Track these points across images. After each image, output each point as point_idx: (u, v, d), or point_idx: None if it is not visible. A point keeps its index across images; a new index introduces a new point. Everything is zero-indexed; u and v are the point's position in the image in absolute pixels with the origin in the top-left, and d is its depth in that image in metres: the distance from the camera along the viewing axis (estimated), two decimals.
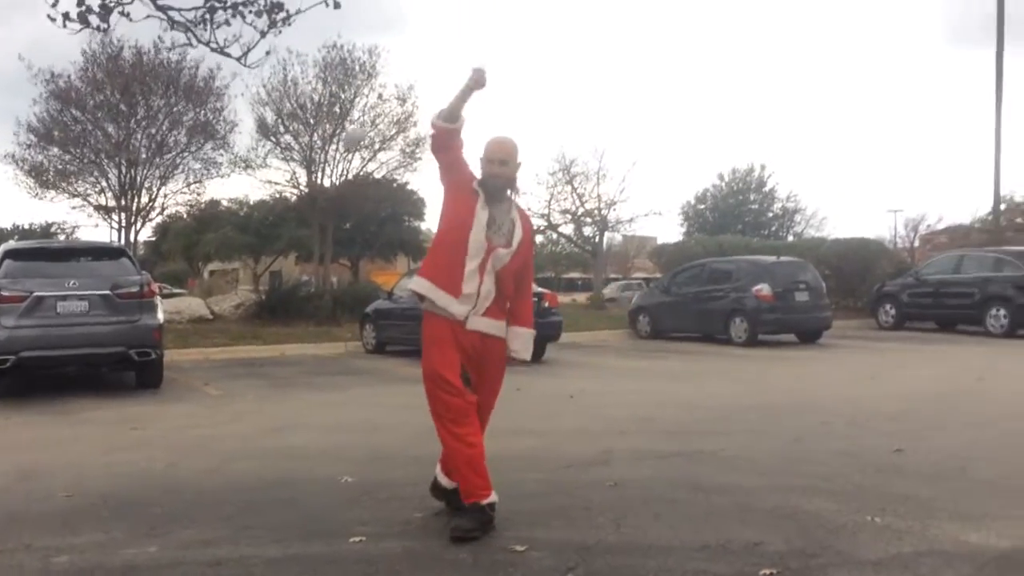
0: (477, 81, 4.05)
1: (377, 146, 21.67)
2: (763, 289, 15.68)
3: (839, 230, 49.12)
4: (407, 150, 21.96)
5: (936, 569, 3.50)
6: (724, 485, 4.97)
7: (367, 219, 31.46)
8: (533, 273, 4.54)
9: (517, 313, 4.32)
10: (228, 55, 6.09)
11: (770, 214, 46.86)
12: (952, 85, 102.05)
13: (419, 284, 4.18)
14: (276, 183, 23.17)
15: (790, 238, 40.13)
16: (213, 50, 6.10)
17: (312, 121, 21.39)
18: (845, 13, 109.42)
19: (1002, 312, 16.92)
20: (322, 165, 21.85)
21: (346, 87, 21.17)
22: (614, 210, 29.24)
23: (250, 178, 24.10)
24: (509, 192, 4.25)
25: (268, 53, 7.92)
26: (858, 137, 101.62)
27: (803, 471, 5.33)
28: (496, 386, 4.32)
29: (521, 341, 4.30)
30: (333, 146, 21.47)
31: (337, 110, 21.19)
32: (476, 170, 4.26)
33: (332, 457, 5.98)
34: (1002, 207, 26.93)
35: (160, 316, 10.23)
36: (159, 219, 29.99)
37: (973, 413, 7.68)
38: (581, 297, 36.78)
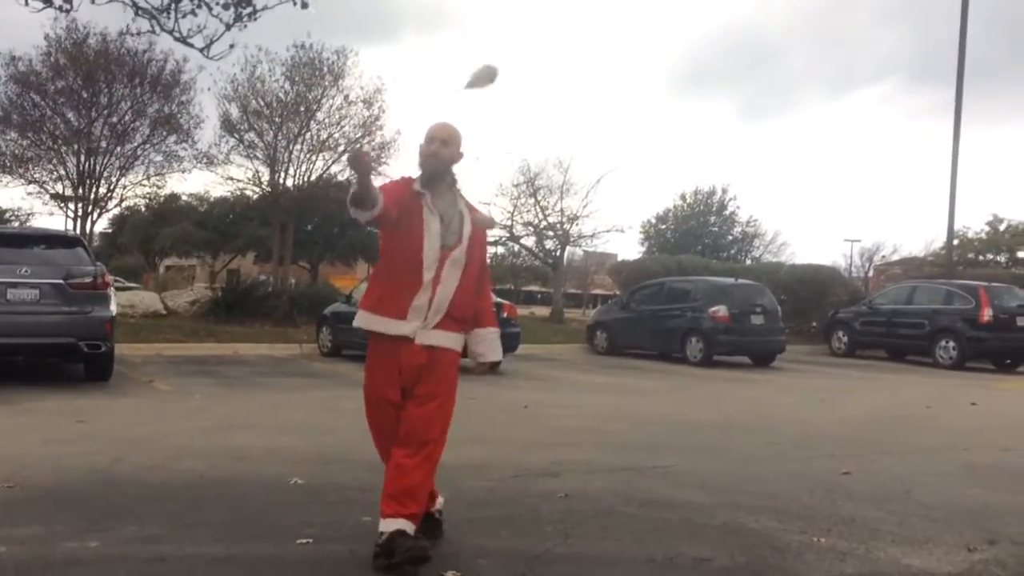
0: (353, 164, 3.59)
1: (342, 148, 21.61)
2: (720, 310, 15.84)
3: (797, 256, 49.66)
4: (373, 153, 21.91)
5: None
6: (673, 501, 5.00)
7: (329, 221, 31.30)
8: (488, 271, 4.20)
9: (479, 315, 4.01)
10: (191, 45, 6.03)
11: (730, 237, 47.38)
12: (910, 118, 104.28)
13: (362, 319, 3.86)
14: (238, 180, 23.00)
15: (748, 262, 40.58)
16: (176, 39, 6.05)
17: (278, 120, 21.27)
18: (808, 46, 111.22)
19: (951, 344, 17.26)
20: (285, 165, 21.75)
21: (313, 87, 21.07)
22: (577, 225, 29.34)
23: (212, 174, 23.86)
24: (451, 182, 3.90)
25: (232, 47, 7.80)
26: (818, 165, 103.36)
27: (751, 490, 5.37)
28: (443, 398, 3.82)
29: (487, 343, 4.04)
30: (298, 146, 21.36)
31: (303, 110, 21.09)
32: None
33: (281, 458, 5.90)
34: (955, 242, 27.51)
35: (113, 308, 10.07)
36: (117, 210, 29.59)
37: (920, 440, 7.81)
38: (540, 310, 36.86)
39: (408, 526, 3.57)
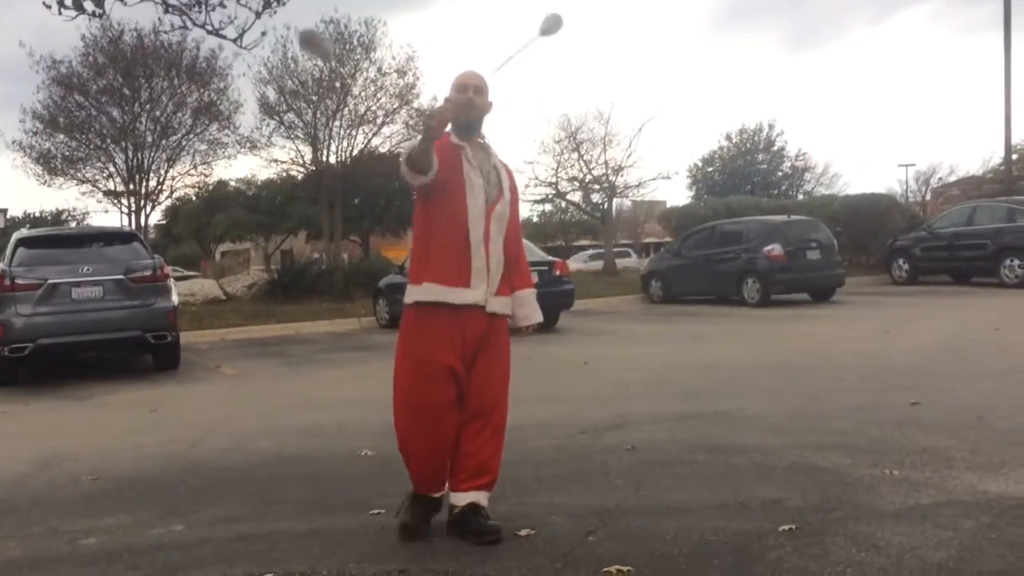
0: (430, 129, 3.35)
1: (380, 120, 21.64)
2: (774, 249, 15.63)
3: (850, 187, 48.55)
4: (411, 123, 21.91)
5: (954, 519, 3.51)
6: (741, 445, 4.99)
7: (375, 194, 31.44)
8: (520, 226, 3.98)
9: (516, 275, 3.81)
10: (224, 37, 6.09)
11: (779, 173, 46.51)
12: (960, 34, 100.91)
13: (422, 293, 3.57)
14: (282, 162, 23.19)
15: (800, 197, 39.86)
16: (209, 32, 6.09)
17: (314, 98, 21.35)
18: None
19: (1016, 262, 16.81)
20: (327, 142, 21.84)
21: (346, 62, 21.09)
22: (622, 176, 29.11)
23: (256, 158, 24.12)
24: (482, 135, 3.74)
25: (264, 34, 7.88)
26: (867, 92, 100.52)
27: (819, 428, 5.34)
28: (505, 365, 3.75)
29: (529, 305, 3.82)
30: (337, 122, 21.44)
31: (338, 85, 21.13)
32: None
33: (350, 432, 6.03)
34: (1014, 156, 26.67)
35: (174, 298, 10.30)
36: (168, 202, 30.08)
37: (990, 364, 7.67)
38: (593, 264, 36.74)
39: (483, 496, 3.62)
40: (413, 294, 3.63)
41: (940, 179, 41.37)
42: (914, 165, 49.63)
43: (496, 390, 3.69)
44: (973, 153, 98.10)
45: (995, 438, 4.85)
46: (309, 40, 3.89)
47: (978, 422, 5.29)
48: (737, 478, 4.30)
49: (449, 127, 3.61)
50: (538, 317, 3.86)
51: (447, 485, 3.68)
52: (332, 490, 4.53)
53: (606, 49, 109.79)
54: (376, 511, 4.04)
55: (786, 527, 3.49)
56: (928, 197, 38.46)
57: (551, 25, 3.76)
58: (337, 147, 22.10)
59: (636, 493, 4.14)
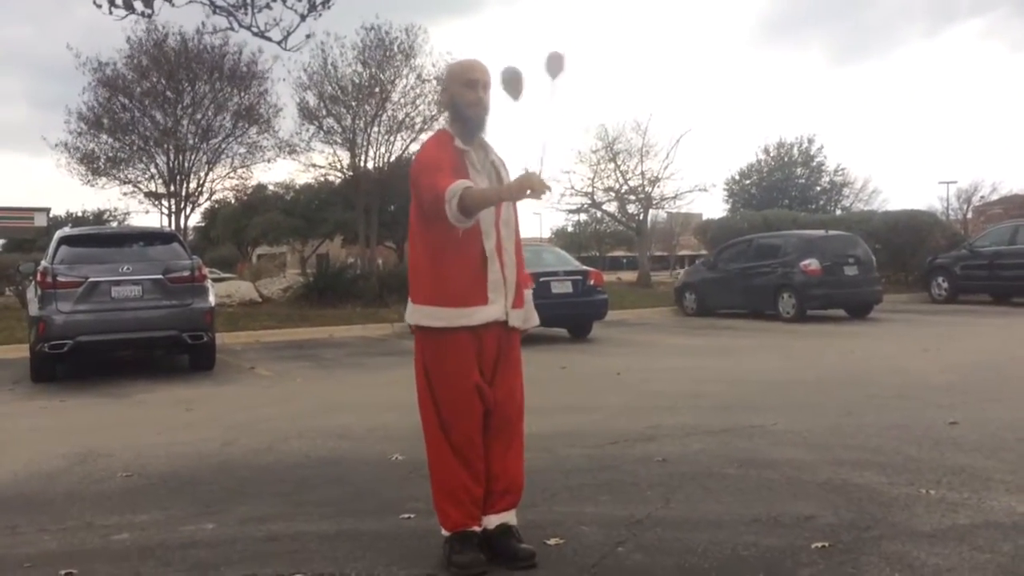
0: (520, 193, 3.12)
1: (418, 127, 21.76)
2: (811, 264, 15.48)
3: (890, 203, 48.06)
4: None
5: (993, 541, 3.44)
6: (774, 459, 4.94)
7: (410, 201, 31.70)
8: None
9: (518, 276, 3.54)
10: (269, 39, 6.16)
11: (817, 188, 46.07)
12: (1014, 50, 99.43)
13: (437, 316, 3.34)
14: (320, 167, 23.41)
15: (838, 212, 39.46)
16: (255, 34, 6.18)
17: (354, 104, 21.53)
18: None
19: None
20: (365, 147, 22.01)
21: (386, 68, 21.24)
22: (658, 187, 29.04)
23: (294, 162, 24.40)
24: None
25: (308, 36, 7.95)
26: (910, 106, 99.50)
27: (854, 444, 5.27)
28: (521, 375, 3.56)
29: (528, 307, 3.57)
30: (375, 128, 21.59)
31: (378, 91, 21.29)
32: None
33: (382, 436, 6.04)
34: None
35: (211, 299, 10.40)
36: (207, 204, 30.46)
37: None
38: (627, 275, 36.62)
39: (512, 515, 3.48)
40: (426, 317, 3.38)
41: (982, 197, 40.83)
42: (956, 182, 48.85)
43: (519, 402, 3.54)
44: (1017, 172, 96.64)
45: None
46: (510, 80, 3.46)
47: (1018, 443, 5.18)
48: (770, 493, 4.25)
49: (448, 125, 3.48)
50: (535, 320, 3.63)
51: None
52: (362, 493, 4.55)
53: (647, 58, 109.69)
54: (406, 515, 4.05)
55: (819, 544, 3.44)
56: (969, 215, 37.93)
57: (554, 65, 3.39)
58: (375, 152, 22.30)
59: (667, 505, 4.11)
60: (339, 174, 23.83)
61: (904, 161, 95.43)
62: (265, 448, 5.81)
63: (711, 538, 3.59)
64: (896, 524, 3.71)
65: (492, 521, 3.45)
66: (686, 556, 3.38)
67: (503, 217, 3.42)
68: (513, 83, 3.37)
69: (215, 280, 16.06)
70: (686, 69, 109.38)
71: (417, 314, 3.42)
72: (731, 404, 6.99)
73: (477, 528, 3.41)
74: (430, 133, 22.00)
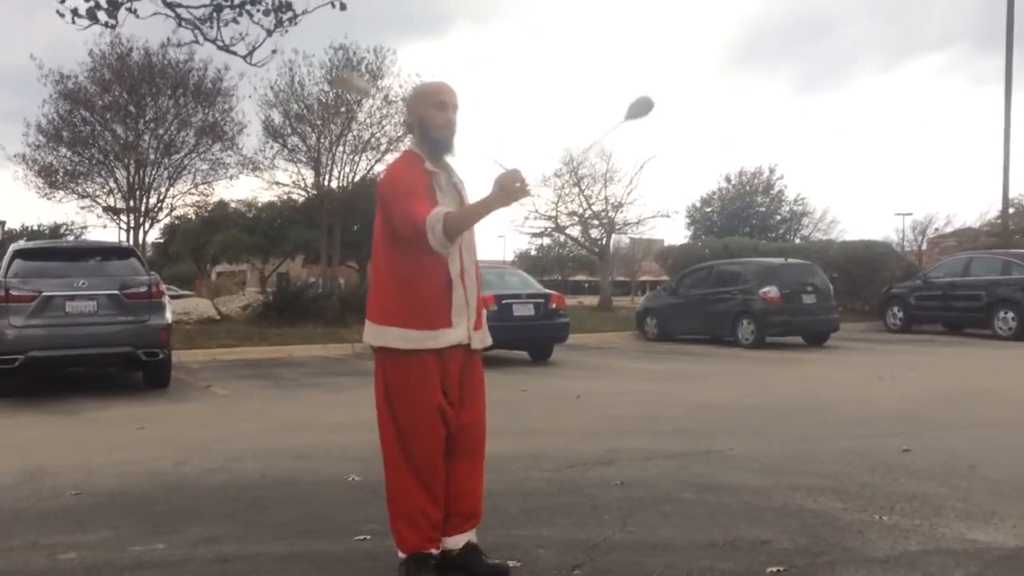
0: (507, 197, 3.05)
1: (384, 147, 21.75)
2: (771, 291, 15.66)
3: (848, 233, 48.83)
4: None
5: (944, 568, 3.48)
6: (731, 484, 4.96)
7: (374, 221, 31.61)
8: None
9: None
10: (234, 53, 6.12)
11: (778, 217, 46.63)
12: (970, 86, 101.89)
13: (402, 338, 3.30)
14: (283, 185, 23.27)
15: (798, 241, 39.99)
16: (219, 48, 6.14)
17: (319, 123, 21.47)
18: (867, 15, 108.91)
19: (1010, 315, 16.86)
20: (329, 166, 21.93)
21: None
22: (621, 212, 29.24)
23: (258, 180, 24.21)
24: None
25: (274, 52, 7.94)
26: (870, 138, 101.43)
27: (810, 470, 5.31)
28: (483, 401, 3.55)
29: (484, 328, 3.56)
30: (340, 147, 21.53)
31: (344, 111, 21.26)
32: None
33: (339, 456, 5.98)
34: (1011, 210, 26.84)
35: (168, 316, 10.26)
36: (167, 220, 30.10)
37: (982, 414, 7.65)
38: (589, 299, 36.76)
39: (473, 534, 3.50)
40: (393, 338, 3.32)
41: (937, 229, 41.52)
42: (911, 214, 49.72)
43: (483, 424, 3.54)
44: (971, 205, 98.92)
45: (986, 488, 4.82)
46: (338, 80, 3.52)
47: (969, 471, 5.26)
48: (726, 518, 4.27)
49: (415, 146, 3.44)
50: (489, 341, 3.57)
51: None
52: (317, 514, 4.49)
53: (615, 83, 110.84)
54: (362, 537, 4.00)
55: (774, 568, 3.46)
56: (924, 247, 38.60)
57: (640, 110, 3.45)
58: (339, 172, 22.21)
59: (624, 528, 4.11)
60: (303, 193, 23.71)
61: (862, 192, 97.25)
62: (219, 467, 5.73)
63: (667, 562, 3.59)
64: (850, 549, 3.74)
65: (458, 541, 3.46)
66: None
67: (466, 241, 3.40)
68: (644, 109, 3.46)
69: (172, 297, 15.85)
70: (653, 95, 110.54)
71: (382, 335, 3.36)
72: (690, 428, 7.02)
73: (434, 551, 3.38)
74: (396, 154, 22.08)
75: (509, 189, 3.03)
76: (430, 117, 3.39)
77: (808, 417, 7.55)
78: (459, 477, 3.45)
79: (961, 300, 18.03)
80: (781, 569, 3.46)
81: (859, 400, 8.63)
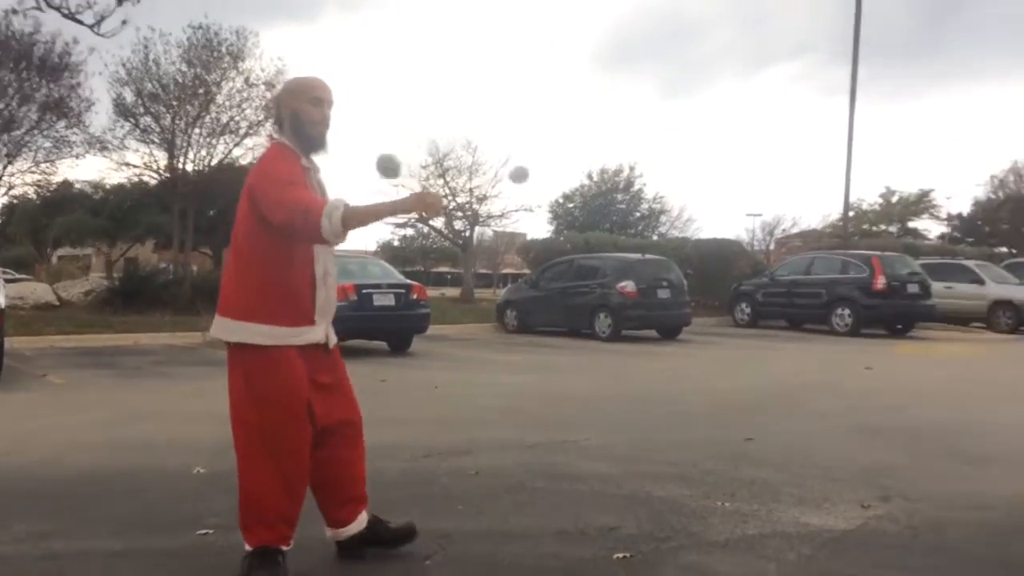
0: (418, 207, 3.11)
1: (243, 131, 21.06)
2: (628, 286, 16.05)
3: (702, 231, 50.61)
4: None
5: (779, 550, 3.64)
6: (583, 473, 5.04)
7: (231, 207, 30.53)
8: None
9: None
10: (80, 22, 5.78)
11: (637, 214, 47.89)
12: (820, 95, 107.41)
13: (265, 334, 3.21)
14: (134, 166, 22.17)
15: (655, 237, 41.19)
16: (64, 16, 5.78)
17: (175, 103, 20.57)
18: (732, 22, 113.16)
19: (847, 312, 17.90)
20: (184, 149, 21.04)
21: (212, 70, 20.46)
22: (486, 205, 29.38)
23: (106, 160, 22.92)
24: None
25: (125, 23, 7.55)
26: (726, 142, 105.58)
27: (658, 459, 5.46)
28: (352, 391, 3.55)
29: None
30: (197, 129, 20.70)
31: (202, 92, 20.45)
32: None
33: (183, 448, 5.74)
34: (851, 214, 28.49)
35: (1, 300, 9.62)
36: (4, 200, 28.23)
37: (819, 405, 8.06)
38: (451, 291, 36.77)
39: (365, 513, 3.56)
40: (257, 335, 3.22)
41: (784, 230, 43.65)
42: (761, 215, 52.26)
43: (359, 412, 3.54)
44: (816, 207, 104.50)
45: (819, 474, 5.08)
46: (387, 167, 3.50)
47: (805, 459, 5.53)
48: (577, 506, 4.33)
49: (287, 140, 3.35)
50: (335, 339, 3.51)
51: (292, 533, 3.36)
52: (157, 508, 4.29)
53: (483, 77, 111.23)
54: (204, 531, 3.85)
55: (621, 555, 3.53)
56: (772, 246, 40.52)
57: (518, 176, 3.92)
58: (195, 155, 21.31)
59: (477, 518, 4.11)
60: (155, 175, 22.63)
61: (717, 193, 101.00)
62: (52, 459, 5.40)
63: (518, 550, 3.61)
64: (693, 534, 3.86)
65: (362, 521, 3.51)
66: (493, 569, 3.39)
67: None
68: (390, 169, 3.54)
69: (8, 281, 14.91)
70: (521, 91, 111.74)
71: (242, 331, 3.24)
72: (545, 419, 7.11)
73: (284, 547, 3.28)
74: (256, 139, 21.42)
75: (424, 202, 3.07)
76: (305, 112, 3.32)
77: (659, 408, 7.78)
78: (350, 463, 3.48)
79: (803, 297, 19.01)
80: (628, 555, 3.53)
81: (707, 392, 8.96)
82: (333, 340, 3.46)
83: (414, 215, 3.18)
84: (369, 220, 3.18)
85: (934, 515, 4.23)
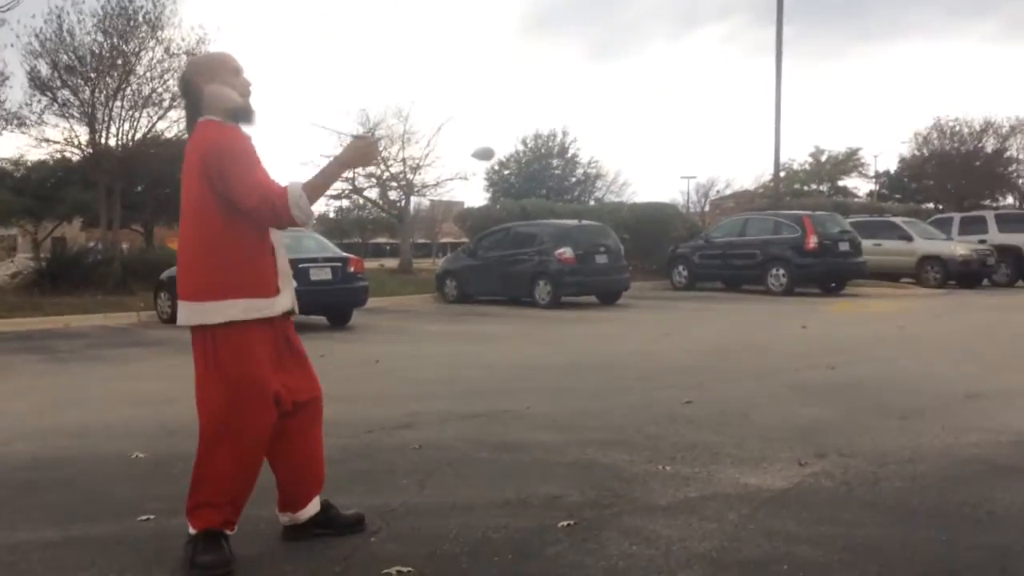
0: (360, 159, 3.30)
1: (167, 103, 20.51)
2: (565, 252, 16.13)
3: (638, 195, 51.15)
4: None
5: (719, 511, 3.72)
6: (526, 443, 5.08)
7: (160, 182, 29.76)
8: None
9: None
10: None
11: (573, 179, 48.08)
12: (748, 56, 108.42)
13: (245, 310, 3.19)
14: (55, 142, 21.48)
15: (591, 203, 41.42)
16: None
17: (93, 75, 19.92)
18: None
19: (781, 272, 18.27)
20: (106, 123, 20.42)
21: (130, 40, 19.84)
22: (420, 174, 29.17)
23: (25, 136, 22.19)
24: None
25: None
26: (659, 105, 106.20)
27: (600, 425, 5.54)
28: (312, 366, 3.55)
29: None
30: (118, 102, 20.09)
31: (120, 63, 19.83)
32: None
33: (121, 432, 5.63)
34: (782, 174, 28.94)
35: None
36: None
37: (756, 365, 8.24)
38: (390, 262, 36.54)
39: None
40: (236, 312, 3.18)
41: (718, 192, 44.31)
42: (695, 178, 52.91)
43: (320, 388, 3.55)
44: (749, 168, 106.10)
45: (758, 434, 5.20)
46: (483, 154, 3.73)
47: (743, 419, 5.66)
48: (521, 475, 4.37)
49: (225, 118, 3.26)
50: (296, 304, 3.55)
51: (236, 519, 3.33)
52: (96, 495, 4.21)
53: (410, 44, 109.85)
54: (145, 517, 3.79)
55: (565, 523, 3.57)
56: (707, 208, 41.07)
57: (482, 155, 4.04)
58: (118, 129, 20.70)
59: (421, 492, 4.12)
60: (77, 151, 21.96)
61: (652, 156, 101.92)
62: None
63: (463, 522, 3.63)
64: (635, 499, 3.92)
65: (316, 504, 3.49)
66: (438, 542, 3.40)
67: None
68: (486, 154, 4.01)
69: None
70: (450, 57, 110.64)
71: (224, 310, 3.17)
72: (487, 389, 7.14)
73: (228, 531, 3.26)
74: (180, 111, 20.84)
75: (363, 151, 3.25)
76: (235, 84, 3.31)
77: (600, 374, 7.86)
78: (313, 443, 3.48)
79: (738, 259, 19.35)
80: (572, 523, 3.57)
81: (647, 355, 9.09)
82: (296, 305, 3.46)
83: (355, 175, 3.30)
84: (325, 190, 3.28)
85: (868, 470, 4.37)
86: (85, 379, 8.48)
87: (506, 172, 47.54)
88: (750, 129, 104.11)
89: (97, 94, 20.08)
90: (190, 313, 3.24)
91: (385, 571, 3.09)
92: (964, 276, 19.97)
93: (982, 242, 20.81)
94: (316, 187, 3.18)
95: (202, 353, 3.26)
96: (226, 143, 3.21)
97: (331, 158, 3.26)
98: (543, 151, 47.77)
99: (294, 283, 3.46)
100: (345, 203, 47.39)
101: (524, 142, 48.13)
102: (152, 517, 3.78)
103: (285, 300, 3.35)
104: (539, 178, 46.00)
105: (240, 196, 3.12)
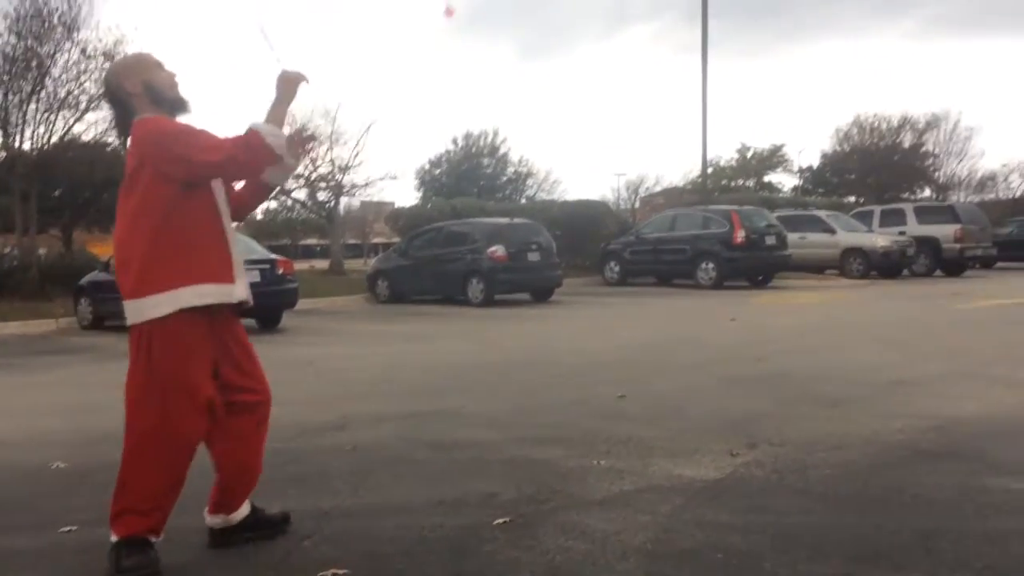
0: (293, 93, 3.27)
1: (84, 106, 19.95)
2: (497, 250, 16.12)
3: (569, 193, 51.46)
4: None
5: (653, 503, 3.75)
6: (462, 441, 5.05)
7: (79, 185, 28.93)
8: None
9: None
10: None
11: (504, 178, 48.13)
12: (677, 54, 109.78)
13: (195, 295, 3.10)
14: None
15: (523, 201, 41.51)
16: None
17: (6, 78, 19.28)
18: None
19: (711, 266, 18.57)
20: (20, 127, 19.79)
21: (45, 41, 19.25)
22: (349, 175, 28.89)
23: None
24: None
25: None
26: (589, 103, 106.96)
27: (536, 422, 5.53)
28: (261, 367, 3.47)
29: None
30: (32, 105, 19.48)
31: (35, 66, 19.23)
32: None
33: (40, 443, 5.44)
34: (709, 170, 29.43)
35: None
36: None
37: (688, 359, 8.34)
38: (320, 263, 36.12)
39: None
40: (172, 301, 3.07)
41: (648, 188, 44.78)
42: (625, 175, 53.45)
43: (263, 373, 3.45)
44: (678, 165, 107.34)
45: (690, 426, 5.26)
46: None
47: (676, 412, 5.72)
48: (457, 474, 4.34)
49: (152, 111, 3.20)
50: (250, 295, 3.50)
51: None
52: (15, 507, 4.05)
53: (339, 44, 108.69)
54: (67, 528, 3.66)
55: (501, 520, 3.55)
56: (637, 205, 41.49)
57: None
58: (33, 133, 20.08)
59: (355, 494, 4.06)
60: None
61: (582, 154, 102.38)
62: None
63: (399, 523, 3.59)
64: (571, 495, 3.92)
65: (247, 506, 3.42)
66: (374, 544, 3.35)
67: (223, 200, 3.31)
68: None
69: None
70: (379, 56, 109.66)
71: (171, 300, 3.08)
72: (422, 389, 7.08)
73: (154, 539, 3.16)
74: (98, 112, 20.29)
75: (294, 84, 3.22)
76: (158, 79, 3.25)
77: (534, 371, 7.87)
78: (256, 447, 3.41)
79: (669, 254, 19.60)
80: (508, 520, 3.56)
81: (580, 351, 9.13)
82: (250, 296, 3.36)
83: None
84: (281, 126, 3.21)
85: (798, 458, 4.44)
86: (2, 389, 8.19)
87: (437, 171, 47.36)
88: (679, 126, 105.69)
89: (11, 97, 19.45)
90: (134, 310, 3.14)
91: (321, 574, 3.03)
92: (885, 267, 20.56)
93: (902, 234, 21.45)
94: (276, 123, 3.17)
95: (136, 352, 3.15)
96: (167, 127, 3.18)
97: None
98: (474, 150, 47.70)
99: (247, 275, 3.38)
100: (273, 204, 46.61)
101: (455, 141, 48.02)
102: (75, 528, 3.65)
103: (239, 291, 3.27)
104: (470, 177, 45.91)
105: (206, 157, 3.04)
